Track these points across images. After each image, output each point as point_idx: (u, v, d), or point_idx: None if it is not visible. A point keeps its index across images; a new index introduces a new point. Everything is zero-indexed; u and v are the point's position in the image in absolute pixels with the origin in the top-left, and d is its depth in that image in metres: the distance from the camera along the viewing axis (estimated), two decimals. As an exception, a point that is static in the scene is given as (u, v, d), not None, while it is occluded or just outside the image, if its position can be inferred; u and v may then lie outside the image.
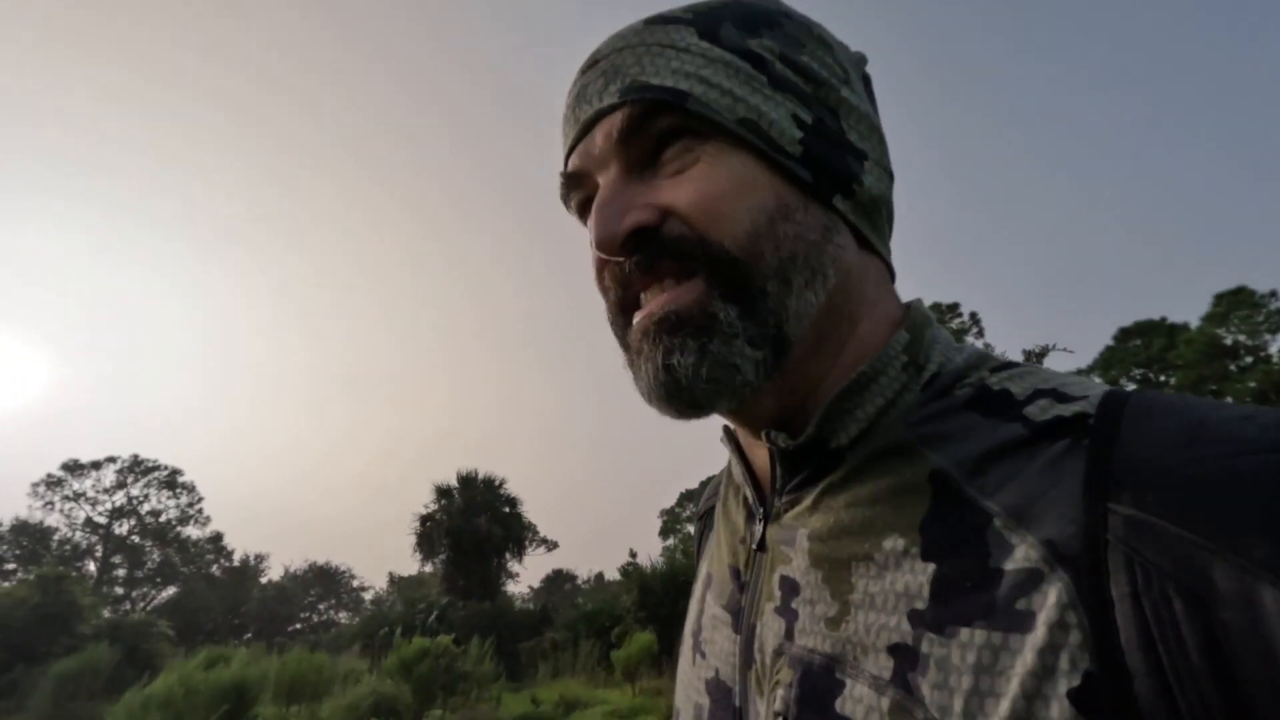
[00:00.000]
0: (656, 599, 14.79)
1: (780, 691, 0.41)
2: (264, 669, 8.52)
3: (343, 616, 60.10)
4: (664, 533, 64.19)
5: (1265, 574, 0.27)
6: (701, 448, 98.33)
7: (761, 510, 0.49)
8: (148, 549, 46.35)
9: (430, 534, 23.47)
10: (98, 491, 44.68)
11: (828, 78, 0.46)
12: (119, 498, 45.30)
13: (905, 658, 0.36)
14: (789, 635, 0.43)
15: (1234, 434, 0.32)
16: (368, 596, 61.23)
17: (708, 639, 0.52)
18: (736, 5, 0.47)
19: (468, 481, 24.58)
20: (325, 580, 61.07)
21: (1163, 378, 28.61)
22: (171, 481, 46.90)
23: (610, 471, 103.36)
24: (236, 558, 52.97)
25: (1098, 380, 0.37)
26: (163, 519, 46.64)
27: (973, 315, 33.23)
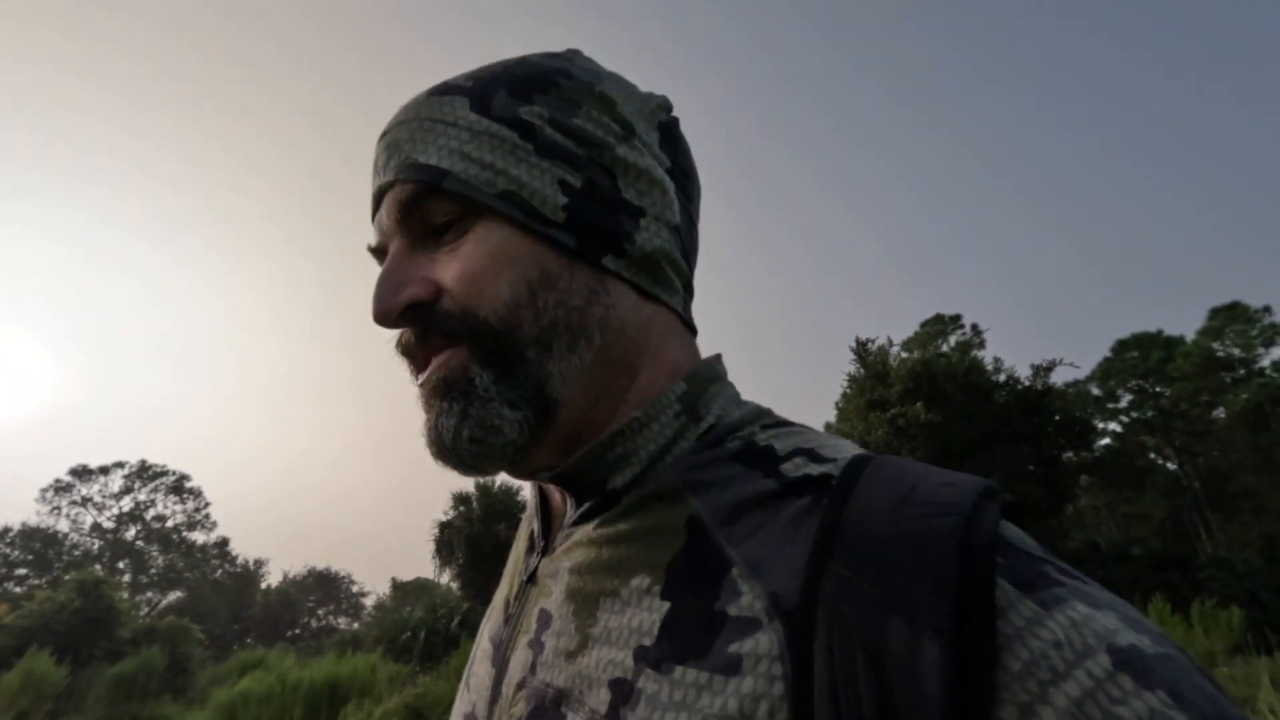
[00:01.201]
0: None
1: None
2: (352, 666, 9.02)
3: (341, 622, 60.21)
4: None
5: (926, 631, 0.29)
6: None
7: (543, 544, 0.50)
8: (152, 554, 46.45)
9: (450, 540, 23.93)
10: (105, 496, 44.85)
11: (603, 138, 0.46)
12: (126, 502, 45.44)
13: (621, 692, 0.37)
14: (533, 669, 0.43)
15: (932, 497, 0.34)
16: (368, 602, 61.42)
17: (474, 671, 0.52)
18: (517, 69, 0.48)
19: (485, 489, 25.07)
20: (325, 585, 61.18)
21: (1159, 389, 29.36)
22: (179, 486, 47.12)
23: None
24: (238, 563, 53.08)
25: (851, 445, 0.46)
26: (169, 524, 46.78)
27: (974, 327, 33.95)
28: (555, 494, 0.50)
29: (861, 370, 19.98)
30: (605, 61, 0.55)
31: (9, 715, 9.69)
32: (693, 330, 0.53)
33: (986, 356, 19.36)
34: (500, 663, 0.47)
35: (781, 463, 0.41)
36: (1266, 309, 26.90)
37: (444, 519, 24.50)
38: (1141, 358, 29.67)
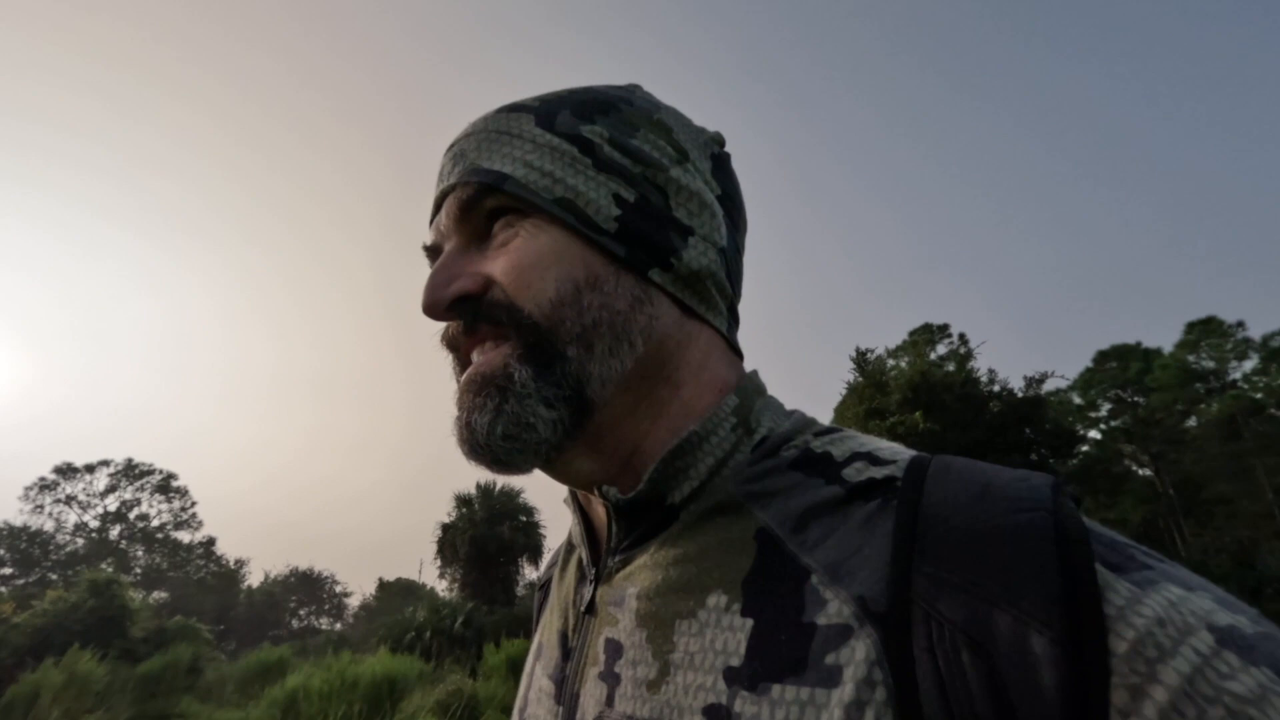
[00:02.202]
0: None
1: None
2: (407, 664, 9.40)
3: (324, 622, 59.81)
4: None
5: (1034, 622, 0.29)
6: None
7: (594, 571, 0.49)
8: (136, 553, 45.94)
9: (453, 541, 24.23)
10: (90, 495, 44.27)
11: (658, 159, 0.48)
12: (112, 501, 44.90)
13: (718, 718, 0.35)
14: (609, 701, 0.42)
15: (1013, 493, 0.34)
16: (352, 603, 61.10)
17: (531, 714, 0.50)
18: (581, 94, 0.50)
19: (487, 491, 25.40)
20: (307, 586, 60.72)
21: (1137, 399, 30.48)
22: (165, 485, 46.61)
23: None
24: (222, 562, 52.62)
25: (904, 448, 0.44)
26: (155, 523, 46.29)
27: (961, 336, 34.91)
28: (600, 516, 0.50)
29: (861, 379, 20.65)
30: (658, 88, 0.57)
31: (58, 711, 9.93)
32: (738, 354, 0.53)
33: (979, 367, 20.13)
34: (568, 699, 0.46)
35: (842, 468, 0.41)
36: (1240, 324, 28.12)
37: (447, 520, 24.79)
38: (1121, 369, 30.77)
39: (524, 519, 25.46)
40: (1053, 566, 0.31)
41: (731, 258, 0.52)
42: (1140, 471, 29.00)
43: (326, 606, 62.27)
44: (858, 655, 0.33)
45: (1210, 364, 28.61)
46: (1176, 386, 28.23)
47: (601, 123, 0.48)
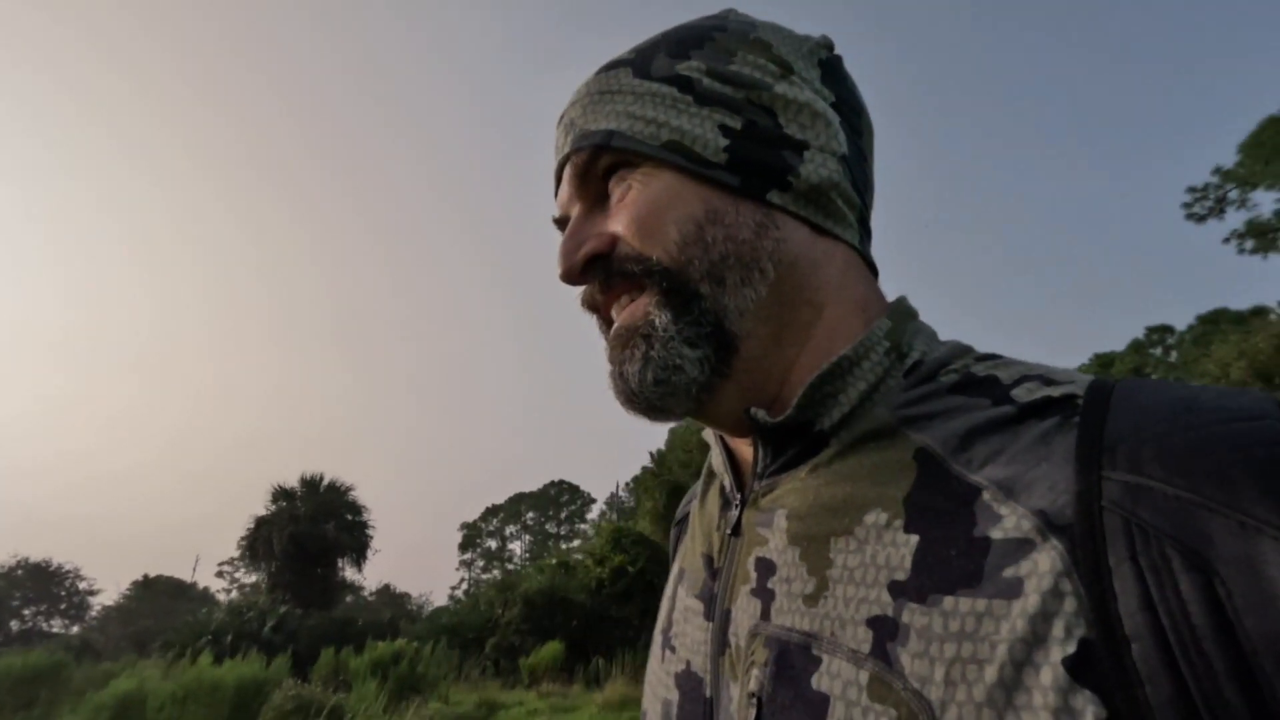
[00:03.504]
0: (541, 613, 15.91)
1: (755, 671, 0.41)
2: (257, 669, 8.80)
3: (56, 625, 50.91)
4: (464, 546, 63.53)
5: (1266, 529, 0.27)
6: (501, 467, 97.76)
7: (739, 497, 0.49)
8: None
9: (268, 537, 22.28)
10: None
11: (760, 79, 0.47)
12: None
13: (885, 629, 0.35)
14: (765, 615, 0.42)
15: (1227, 405, 0.32)
16: (98, 602, 52.51)
17: (678, 632, 0.51)
18: (674, 33, 0.50)
19: (314, 485, 23.71)
20: (40, 581, 51.25)
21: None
22: None
23: (404, 482, 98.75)
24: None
25: (1083, 375, 0.39)
26: None
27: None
28: (743, 445, 0.50)
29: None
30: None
31: None
32: (874, 270, 0.52)
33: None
34: (719, 615, 0.46)
35: (1011, 389, 0.39)
36: (1190, 329, 28.40)
37: (263, 514, 22.71)
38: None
39: (351, 517, 24.06)
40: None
41: (855, 165, 0.50)
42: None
43: (63, 606, 52.87)
44: (1041, 567, 0.32)
45: (1160, 372, 31.46)
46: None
47: (697, 56, 0.48)
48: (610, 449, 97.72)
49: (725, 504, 0.52)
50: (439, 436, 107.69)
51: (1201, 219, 21.60)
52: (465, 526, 64.13)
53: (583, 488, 63.46)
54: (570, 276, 0.49)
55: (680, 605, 0.53)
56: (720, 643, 0.46)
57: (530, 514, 63.42)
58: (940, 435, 0.39)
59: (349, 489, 24.10)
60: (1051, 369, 0.41)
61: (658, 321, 0.45)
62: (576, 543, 59.90)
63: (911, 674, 0.33)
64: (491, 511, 63.90)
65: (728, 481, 0.52)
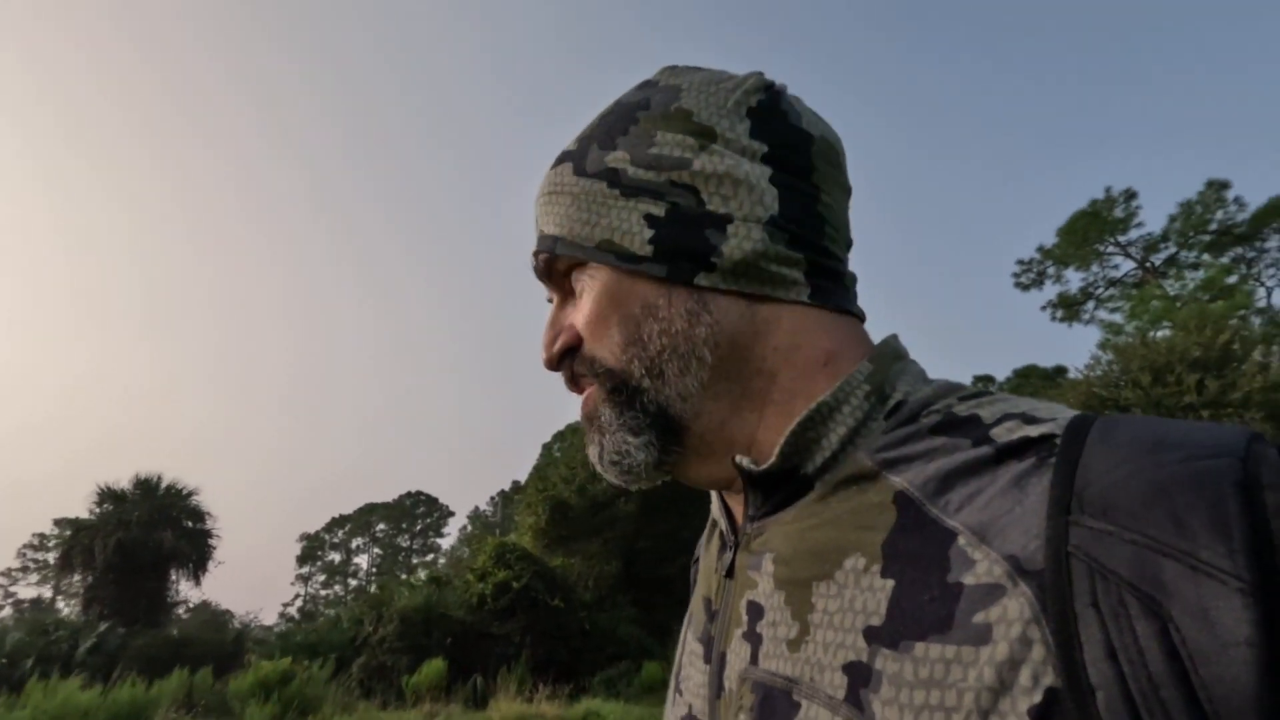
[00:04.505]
0: (418, 630, 15.35)
1: (742, 716, 0.43)
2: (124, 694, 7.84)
3: None
4: (303, 559, 58.72)
5: (1216, 573, 0.27)
6: (339, 484, 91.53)
7: (733, 538, 0.51)
8: None
9: (89, 545, 19.55)
10: None
11: (679, 156, 0.48)
12: None
13: (859, 675, 0.36)
14: (754, 659, 0.44)
15: (1197, 440, 0.32)
16: None
17: (685, 675, 0.53)
18: (608, 117, 0.53)
19: (150, 486, 21.18)
20: None
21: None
22: None
23: (229, 487, 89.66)
24: None
25: (1066, 408, 0.39)
26: None
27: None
28: (737, 490, 0.51)
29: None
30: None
31: None
32: (850, 311, 0.51)
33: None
34: (715, 659, 0.48)
35: (991, 428, 0.39)
36: (1059, 369, 29.01)
37: (85, 518, 19.87)
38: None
39: (192, 524, 21.68)
40: (1235, 512, 0.28)
41: (795, 216, 0.48)
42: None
43: None
44: (1010, 614, 0.32)
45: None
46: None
47: (622, 144, 0.50)
48: (473, 462, 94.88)
49: (723, 546, 0.54)
50: (278, 439, 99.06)
51: (1026, 288, 25.35)
52: (305, 538, 59.48)
53: (441, 500, 61.10)
54: (549, 365, 0.54)
55: (687, 649, 0.55)
56: (717, 686, 0.47)
57: (381, 525, 59.98)
58: (919, 478, 0.39)
59: (191, 493, 21.75)
60: (1035, 405, 0.41)
61: (604, 415, 0.50)
62: (430, 557, 57.66)
63: None
64: (338, 522, 59.75)
65: (723, 524, 0.54)
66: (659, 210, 0.48)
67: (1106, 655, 0.29)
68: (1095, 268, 24.68)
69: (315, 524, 65.15)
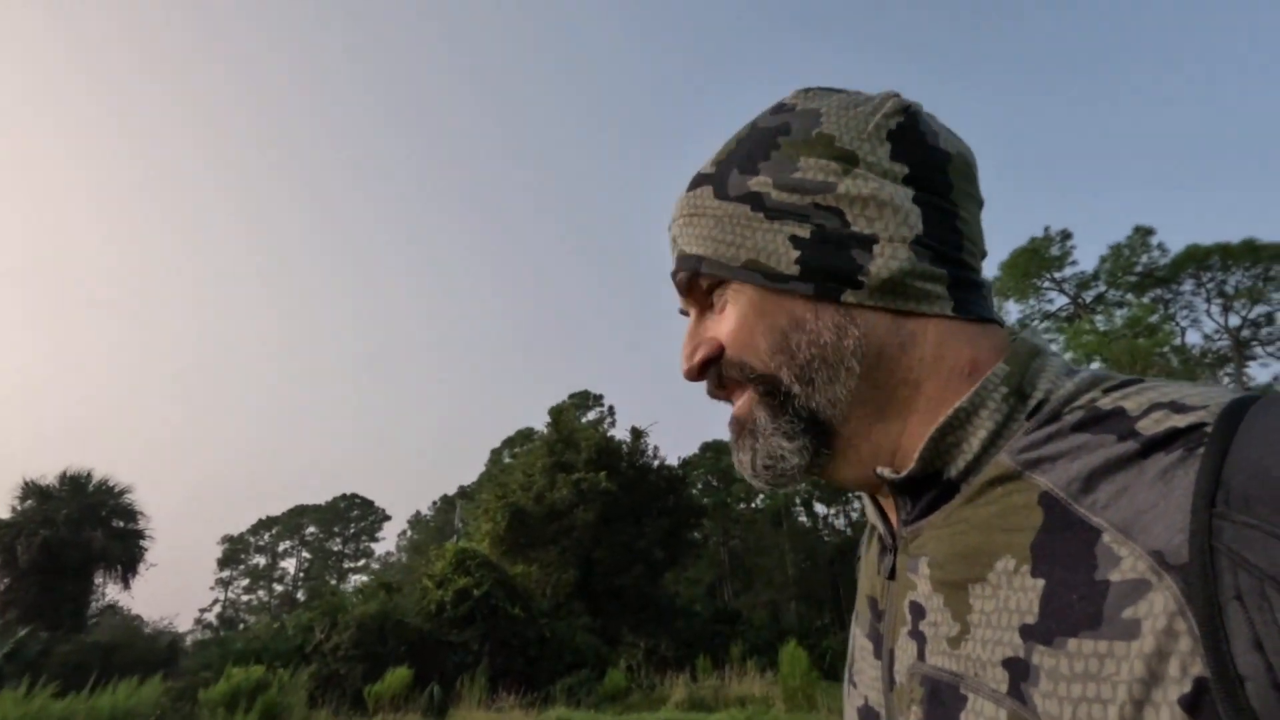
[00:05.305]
0: (373, 637, 14.87)
1: (914, 709, 0.46)
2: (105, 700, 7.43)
3: None
4: (224, 562, 55.75)
5: None
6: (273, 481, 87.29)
7: (892, 542, 0.53)
8: None
9: (10, 544, 18.23)
10: None
11: (823, 181, 0.50)
12: None
13: (1018, 670, 0.38)
14: (921, 656, 0.46)
15: None
16: None
17: (858, 669, 0.56)
18: (746, 140, 0.55)
19: (79, 484, 19.94)
20: None
21: (722, 484, 38.76)
22: None
23: (143, 483, 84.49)
24: None
25: (1225, 390, 0.39)
26: None
27: (610, 408, 40.01)
28: (887, 495, 0.53)
29: (555, 434, 22.58)
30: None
31: None
32: (988, 318, 0.52)
33: (648, 443, 23.81)
34: (885, 655, 0.51)
35: (1137, 421, 0.39)
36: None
37: (3, 517, 18.51)
38: (714, 459, 38.92)
39: (122, 524, 20.49)
40: None
41: (938, 235, 0.50)
42: (713, 541, 36.72)
43: None
44: (1156, 608, 0.33)
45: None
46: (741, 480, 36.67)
47: (764, 169, 0.52)
48: (411, 466, 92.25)
49: (883, 549, 0.56)
50: (199, 434, 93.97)
51: (970, 319, 26.74)
52: (228, 540, 56.53)
53: (377, 503, 59.28)
54: (690, 376, 0.56)
55: (858, 644, 0.58)
56: (889, 680, 0.50)
57: (312, 528, 57.66)
58: (1064, 478, 0.40)
59: (124, 490, 20.58)
60: (1187, 391, 0.40)
61: (760, 419, 0.52)
62: (363, 562, 55.63)
63: (1044, 713, 0.36)
64: (265, 524, 57.10)
65: (880, 528, 0.56)
66: (804, 232, 0.50)
67: (1254, 646, 0.30)
68: (1033, 301, 26.50)
69: (239, 526, 62.19)
